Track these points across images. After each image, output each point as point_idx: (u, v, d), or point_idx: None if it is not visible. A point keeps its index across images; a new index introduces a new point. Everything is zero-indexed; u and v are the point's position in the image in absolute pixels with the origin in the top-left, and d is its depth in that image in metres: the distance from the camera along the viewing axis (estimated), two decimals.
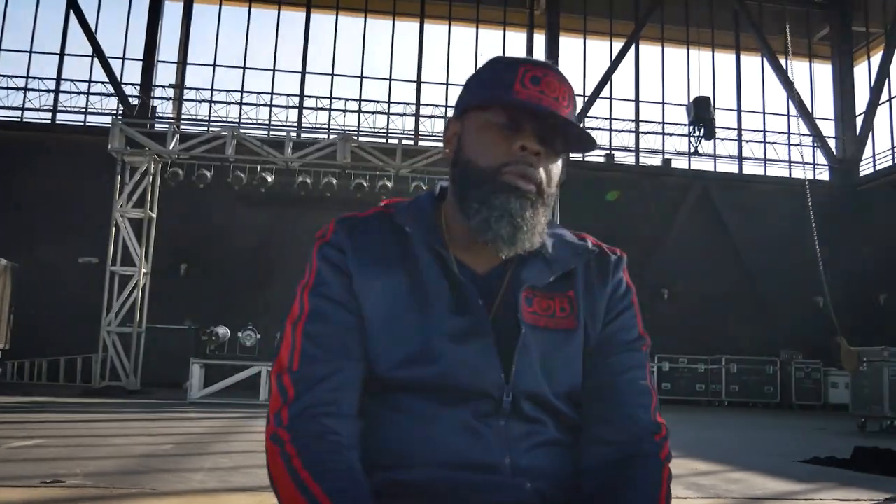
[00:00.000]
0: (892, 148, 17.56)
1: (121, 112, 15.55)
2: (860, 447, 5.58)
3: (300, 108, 16.99)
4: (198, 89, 16.74)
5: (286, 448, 1.00)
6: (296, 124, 16.72)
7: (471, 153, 1.12)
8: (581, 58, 18.67)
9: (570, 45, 18.65)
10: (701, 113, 16.51)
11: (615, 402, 1.15)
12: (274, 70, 17.18)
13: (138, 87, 16.20)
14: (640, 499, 1.07)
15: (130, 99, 15.95)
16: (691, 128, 17.16)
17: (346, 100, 17.14)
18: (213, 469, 4.09)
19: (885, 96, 17.82)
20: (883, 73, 17.61)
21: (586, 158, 17.59)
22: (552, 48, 18.24)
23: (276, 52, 17.26)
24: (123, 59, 16.61)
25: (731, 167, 18.52)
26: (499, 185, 1.08)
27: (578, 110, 1.34)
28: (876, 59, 18.25)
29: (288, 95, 16.96)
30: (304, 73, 17.25)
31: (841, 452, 5.78)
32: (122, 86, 16.13)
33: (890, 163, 17.46)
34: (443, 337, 1.09)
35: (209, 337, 10.74)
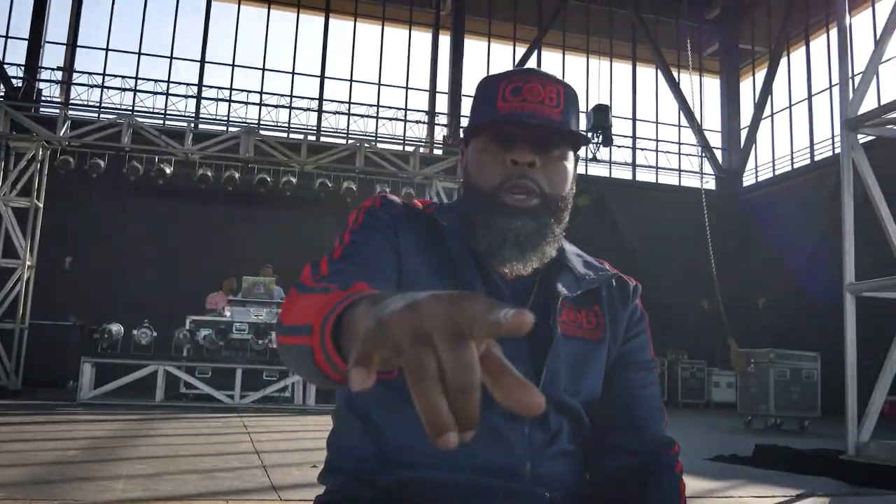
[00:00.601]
0: (773, 161, 18.63)
1: (2, 94, 14.60)
2: (761, 445, 5.88)
3: (198, 97, 16.41)
4: (89, 73, 15.92)
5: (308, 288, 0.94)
6: (194, 114, 16.14)
7: (473, 177, 1.16)
8: (485, 61, 18.88)
9: (475, 48, 18.81)
10: (600, 120, 17.00)
11: (633, 415, 1.20)
12: (171, 57, 16.51)
13: (22, 69, 15.23)
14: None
15: (13, 80, 14.98)
16: (590, 134, 17.65)
17: (248, 91, 16.69)
18: (132, 476, 3.89)
19: (767, 112, 18.88)
20: (766, 90, 18.65)
21: None
22: (457, 50, 18.34)
23: (173, 39, 16.60)
24: (7, 37, 15.58)
25: (625, 174, 19.15)
26: (499, 205, 1.10)
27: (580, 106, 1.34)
28: (760, 76, 19.32)
29: (187, 84, 16.37)
30: (203, 61, 16.67)
31: (739, 449, 6.07)
32: (5, 66, 15.12)
33: (771, 174, 18.52)
34: None
35: (101, 334, 10.20)
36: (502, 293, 1.13)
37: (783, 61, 18.57)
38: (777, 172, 18.41)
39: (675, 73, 19.44)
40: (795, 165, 17.79)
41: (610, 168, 18.99)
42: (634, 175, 19.24)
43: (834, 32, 17.55)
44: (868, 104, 5.10)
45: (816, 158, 17.15)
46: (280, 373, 10.20)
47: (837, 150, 16.33)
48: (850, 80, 5.21)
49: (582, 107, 18.85)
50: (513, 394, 0.53)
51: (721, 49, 20.41)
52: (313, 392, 10.12)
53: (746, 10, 19.91)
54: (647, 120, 19.80)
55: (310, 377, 0.82)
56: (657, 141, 19.69)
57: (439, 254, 1.14)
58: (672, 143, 19.78)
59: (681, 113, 19.64)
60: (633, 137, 19.48)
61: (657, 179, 19.38)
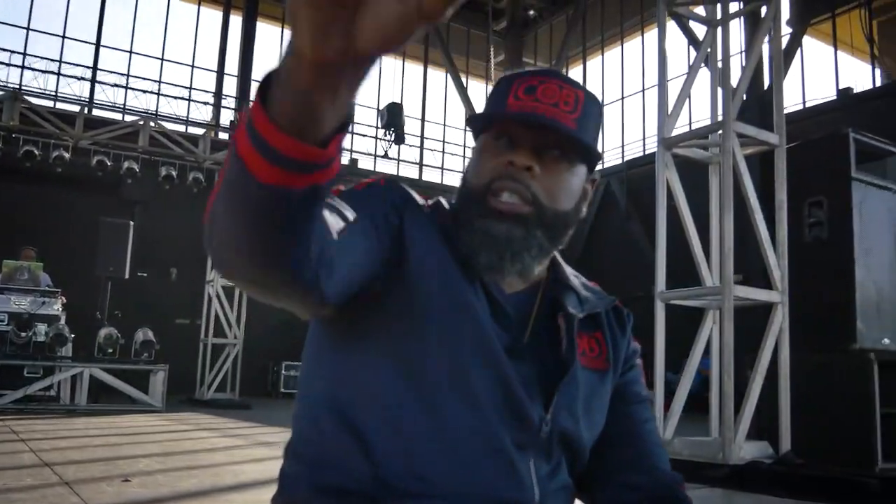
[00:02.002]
0: None
1: None
2: None
3: None
4: None
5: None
6: None
7: (469, 173, 1.06)
8: (279, 46, 18.32)
9: (267, 32, 18.18)
10: (393, 119, 17.13)
11: (641, 450, 1.16)
12: None
13: None
14: None
15: None
16: (383, 132, 17.73)
17: (11, 52, 14.85)
18: None
19: None
20: None
21: None
22: (249, 32, 17.63)
23: None
24: None
25: (412, 172, 19.47)
26: (484, 207, 1.00)
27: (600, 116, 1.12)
28: None
29: None
30: None
31: None
32: None
33: None
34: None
35: None
36: (509, 311, 1.03)
37: None
38: None
39: (464, 79, 20.05)
40: None
41: (398, 166, 19.21)
42: (421, 174, 19.63)
43: (610, 55, 19.10)
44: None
45: None
46: (45, 369, 9.16)
47: (605, 166, 17.77)
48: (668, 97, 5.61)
49: (372, 103, 18.95)
50: None
51: (506, 60, 21.35)
52: (84, 391, 9.21)
53: (531, 26, 21.02)
54: (435, 122, 20.29)
55: (246, 208, 0.68)
56: (444, 142, 20.24)
57: (442, 253, 1.02)
58: (458, 145, 20.42)
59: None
60: (422, 137, 19.86)
61: (442, 180, 19.91)
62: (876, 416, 5.37)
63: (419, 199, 1.06)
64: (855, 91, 13.77)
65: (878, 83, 14.00)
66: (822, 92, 14.36)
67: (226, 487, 3.83)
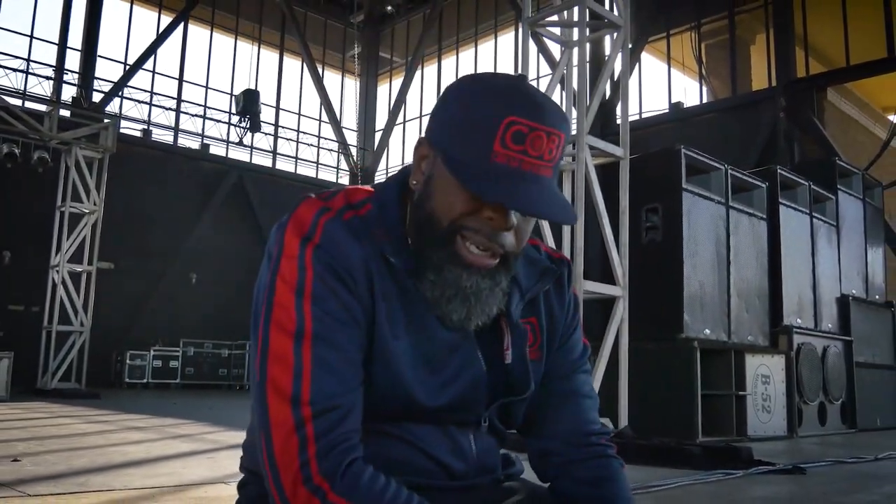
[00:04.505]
0: (402, 164, 20.28)
1: None
2: None
3: None
4: None
5: (329, 498, 0.88)
6: None
7: (435, 200, 0.98)
8: (126, 22, 17.64)
9: (114, 6, 17.45)
10: (248, 105, 16.96)
11: (576, 412, 1.18)
12: None
13: None
14: (625, 492, 1.16)
15: None
16: (238, 118, 17.50)
17: None
18: None
19: (400, 118, 20.48)
20: (400, 98, 20.22)
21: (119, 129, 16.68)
22: (94, 4, 16.85)
23: None
24: None
25: (265, 161, 19.30)
26: (453, 254, 0.98)
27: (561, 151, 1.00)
28: (396, 84, 20.87)
29: None
30: None
31: None
32: None
33: None
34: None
35: None
36: (470, 337, 1.05)
37: (417, 74, 20.30)
38: None
39: (320, 69, 20.14)
40: None
41: (251, 153, 18.98)
42: (274, 163, 19.48)
43: (464, 55, 19.75)
44: None
45: None
46: None
47: None
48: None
49: (226, 87, 18.65)
50: None
51: (363, 53, 21.59)
52: None
53: (388, 21, 21.35)
54: (290, 110, 20.20)
55: None
56: (298, 132, 20.18)
57: (399, 296, 1.01)
58: (312, 135, 20.43)
59: (322, 108, 20.42)
60: (276, 126, 19.70)
61: (296, 170, 19.87)
62: (698, 397, 6.21)
63: (357, 244, 0.98)
64: (685, 105, 15.19)
65: (705, 99, 15.51)
66: (656, 104, 15.72)
67: (120, 464, 3.96)
